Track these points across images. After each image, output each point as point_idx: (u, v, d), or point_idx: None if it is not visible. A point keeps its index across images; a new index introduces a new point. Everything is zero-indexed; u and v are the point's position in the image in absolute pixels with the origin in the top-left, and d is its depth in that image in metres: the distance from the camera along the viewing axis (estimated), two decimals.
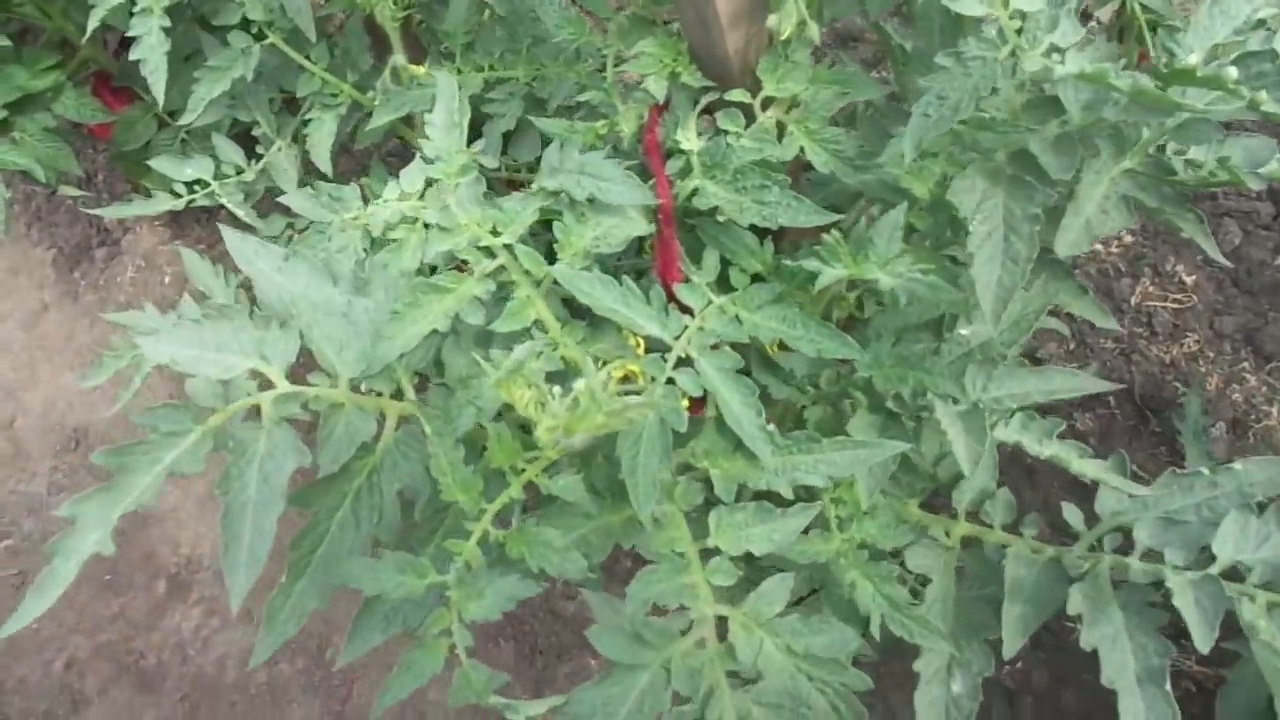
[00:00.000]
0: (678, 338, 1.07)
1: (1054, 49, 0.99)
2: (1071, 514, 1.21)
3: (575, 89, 1.64)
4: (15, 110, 2.41)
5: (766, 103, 1.20)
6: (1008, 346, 1.19)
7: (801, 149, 1.16)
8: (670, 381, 1.04)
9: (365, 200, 2.02)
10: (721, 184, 1.13)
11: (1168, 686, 1.07)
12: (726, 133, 1.19)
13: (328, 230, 1.20)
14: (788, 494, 1.07)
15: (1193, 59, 0.96)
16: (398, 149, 2.19)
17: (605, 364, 1.06)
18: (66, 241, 3.14)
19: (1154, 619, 1.10)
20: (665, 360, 1.05)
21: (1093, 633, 1.11)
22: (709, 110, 1.26)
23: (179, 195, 2.06)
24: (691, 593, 1.00)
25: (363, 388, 1.07)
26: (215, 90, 1.88)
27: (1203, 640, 1.01)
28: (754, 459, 1.06)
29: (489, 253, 1.12)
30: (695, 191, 1.16)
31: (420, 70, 1.84)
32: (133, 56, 1.76)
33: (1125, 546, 1.18)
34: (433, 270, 1.12)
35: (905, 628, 1.16)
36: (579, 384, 0.93)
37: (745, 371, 1.10)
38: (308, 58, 1.92)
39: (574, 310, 1.14)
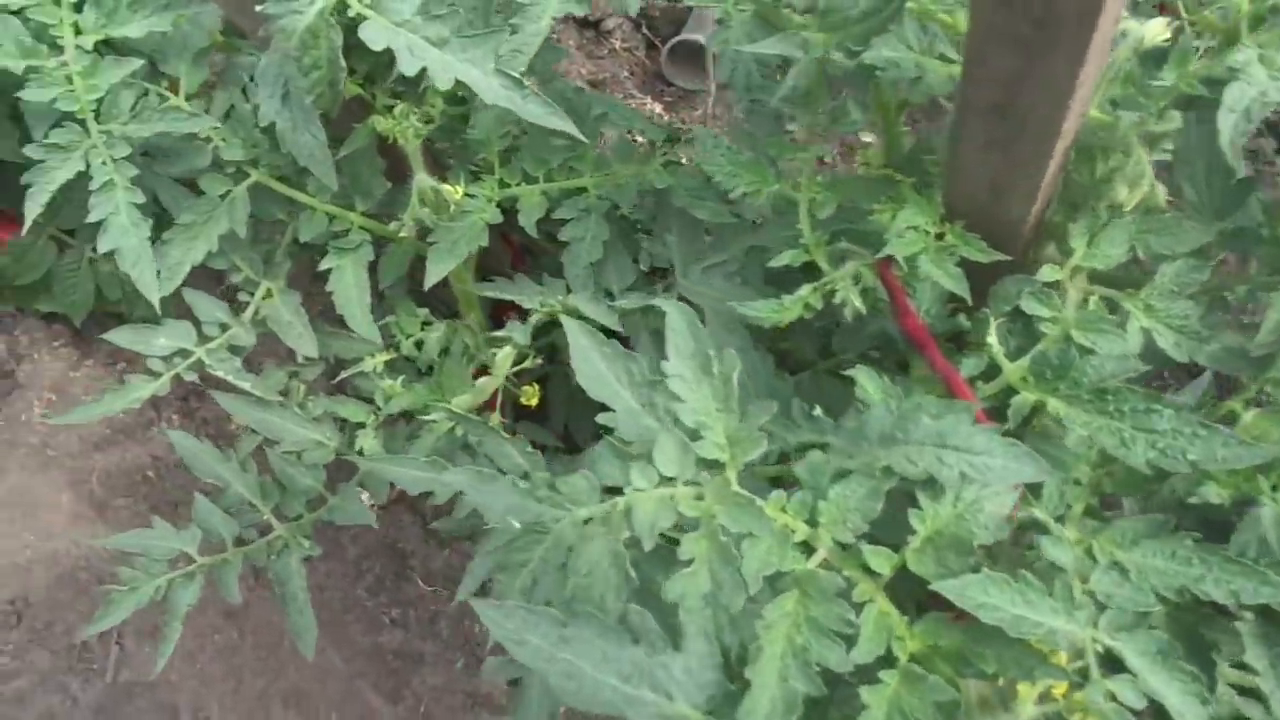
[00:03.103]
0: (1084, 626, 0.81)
1: None
2: None
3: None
4: None
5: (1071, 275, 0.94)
6: None
7: (1144, 333, 0.91)
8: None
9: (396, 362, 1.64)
10: (1078, 404, 0.86)
11: None
12: (1038, 319, 0.92)
13: (554, 531, 0.87)
14: None
15: None
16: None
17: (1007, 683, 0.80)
18: None
19: None
20: (1089, 667, 0.80)
21: None
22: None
23: (156, 373, 1.62)
24: None
25: None
26: (196, 253, 1.45)
27: None
28: None
29: (806, 548, 0.83)
30: (1038, 411, 0.88)
31: (456, 192, 1.46)
32: (103, 248, 1.32)
33: None
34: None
35: None
36: None
37: None
38: (305, 191, 1.51)
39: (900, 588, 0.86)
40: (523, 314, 1.68)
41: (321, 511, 1.69)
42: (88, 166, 1.29)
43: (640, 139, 1.48)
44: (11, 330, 2.56)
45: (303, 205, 1.52)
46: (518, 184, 1.47)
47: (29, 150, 1.29)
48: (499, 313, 1.70)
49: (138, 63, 1.32)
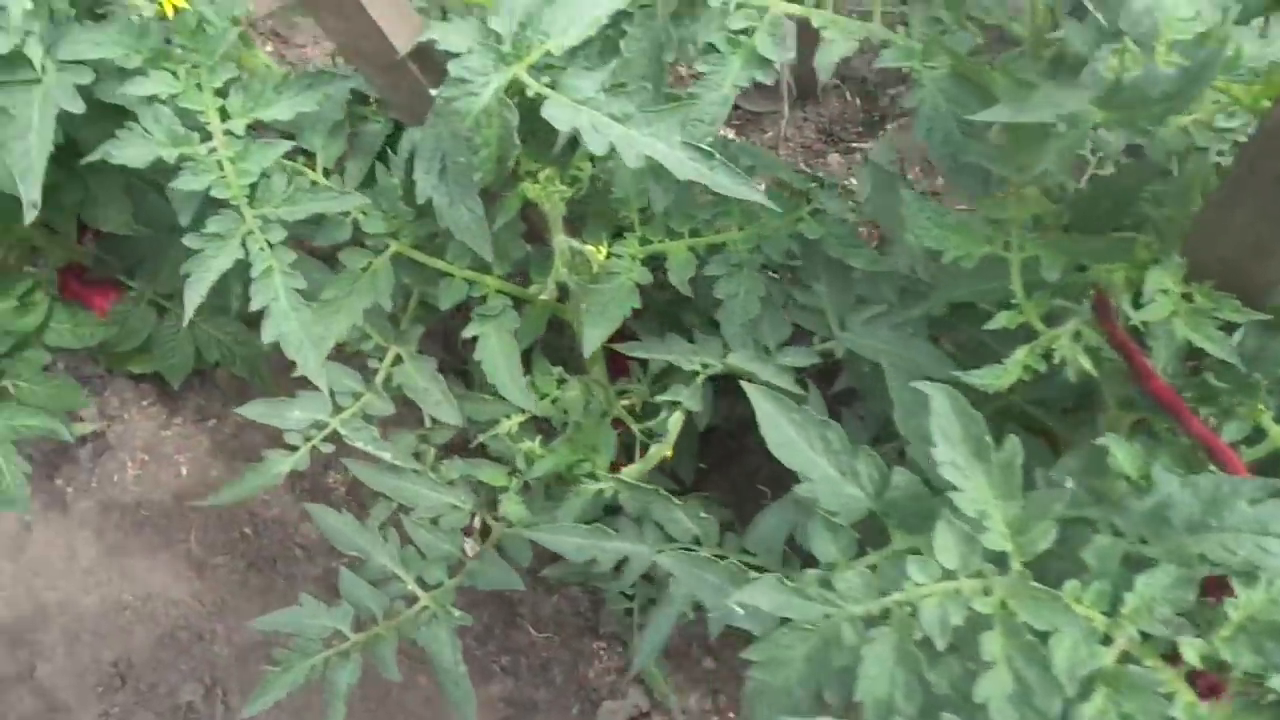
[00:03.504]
0: None
1: None
2: None
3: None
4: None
5: None
6: None
7: None
8: None
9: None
10: None
11: None
12: None
13: (822, 628, 0.83)
14: None
15: None
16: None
17: None
18: (35, 445, 2.54)
19: None
20: None
21: None
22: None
23: (293, 447, 1.59)
24: None
25: None
26: (339, 327, 1.41)
27: None
28: None
29: (1104, 640, 0.79)
30: None
31: (599, 252, 1.43)
32: (268, 338, 1.28)
33: None
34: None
35: None
36: None
37: None
38: (442, 258, 1.47)
39: None
40: (643, 365, 1.65)
41: (462, 577, 1.65)
42: (246, 253, 1.26)
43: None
44: (101, 391, 2.54)
45: (440, 272, 1.48)
46: (660, 241, 1.43)
47: (188, 240, 1.26)
48: (615, 363, 1.67)
49: (288, 145, 1.28)
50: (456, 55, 1.11)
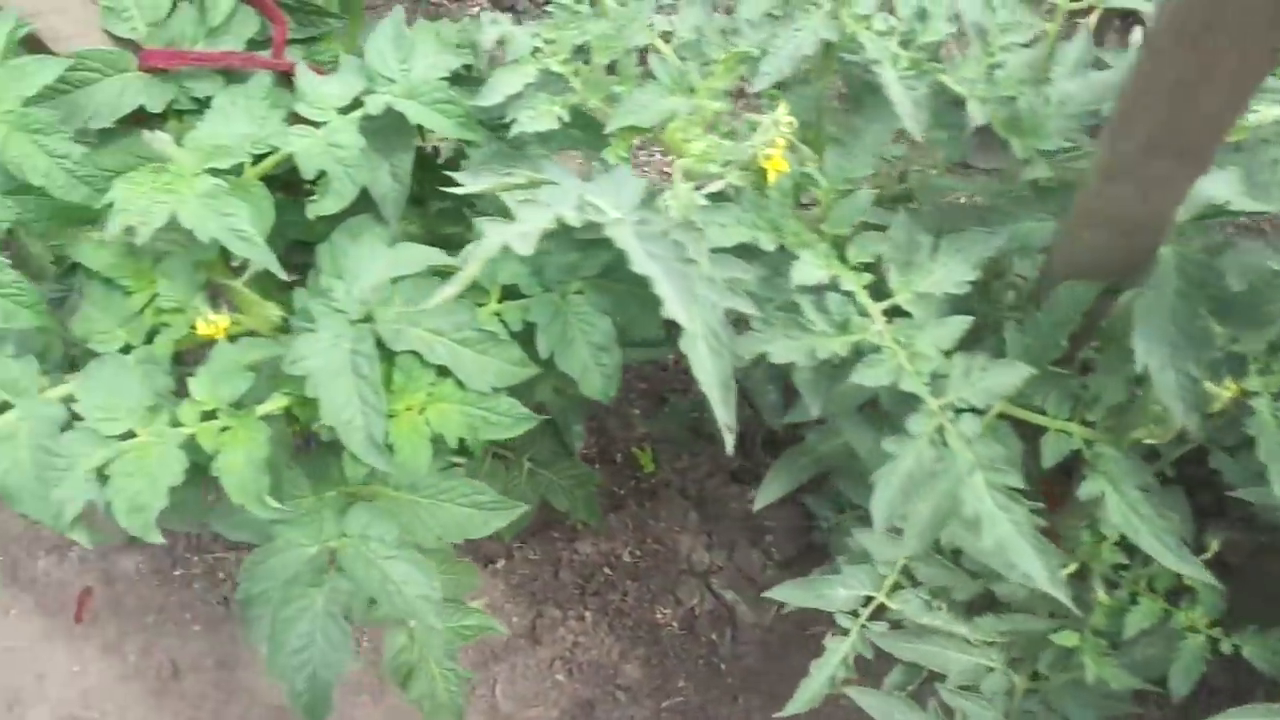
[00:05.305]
0: None
1: None
2: None
3: None
4: None
5: None
6: None
7: None
8: None
9: None
10: None
11: None
12: None
13: None
14: None
15: None
16: None
17: None
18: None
19: None
20: None
21: None
22: None
23: (843, 629, 1.40)
24: None
25: None
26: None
27: None
28: None
29: None
30: None
31: (1230, 389, 1.27)
32: (986, 544, 1.09)
33: None
34: None
35: None
36: None
37: None
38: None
39: None
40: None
41: None
42: (949, 449, 1.07)
43: None
44: None
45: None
46: None
47: (886, 445, 1.07)
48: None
49: (965, 321, 1.10)
50: None
